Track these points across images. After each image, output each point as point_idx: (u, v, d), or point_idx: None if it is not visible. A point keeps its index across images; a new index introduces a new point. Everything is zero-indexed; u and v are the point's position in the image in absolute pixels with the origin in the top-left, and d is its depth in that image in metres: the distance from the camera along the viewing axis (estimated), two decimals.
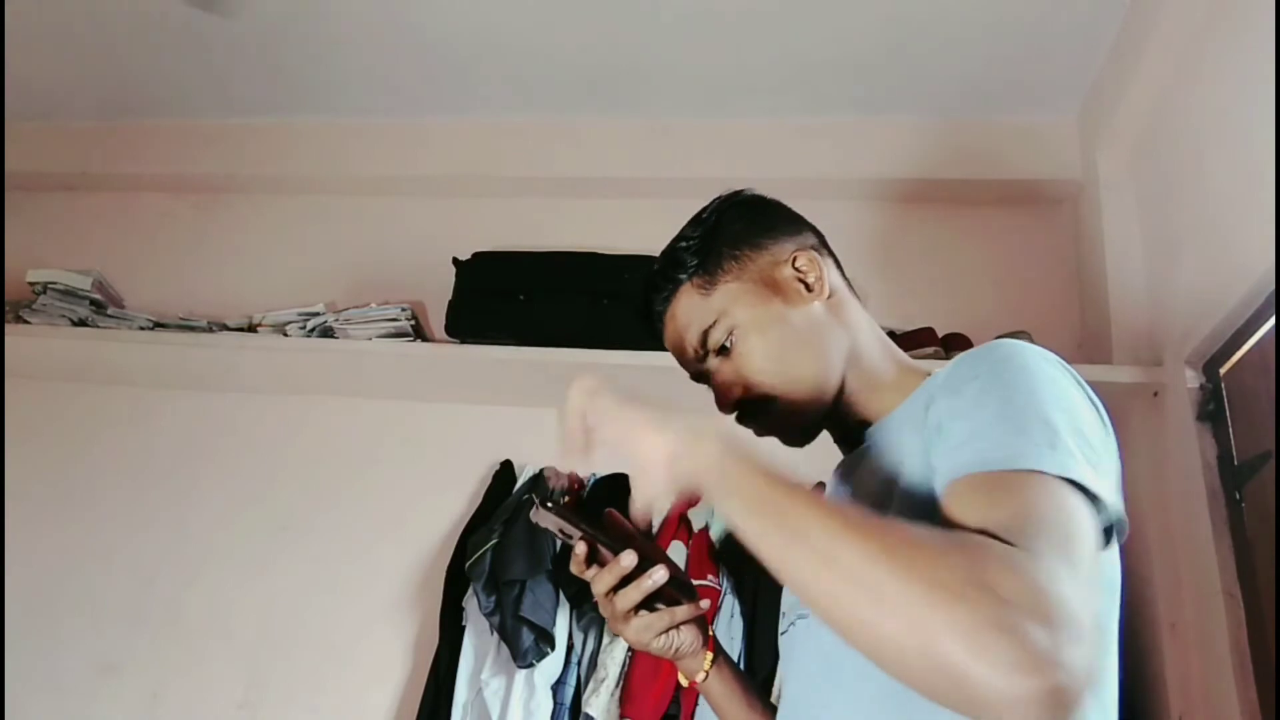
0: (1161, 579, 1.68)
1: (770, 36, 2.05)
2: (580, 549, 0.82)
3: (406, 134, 2.46)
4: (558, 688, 1.84)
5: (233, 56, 2.29)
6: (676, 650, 0.88)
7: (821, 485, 0.98)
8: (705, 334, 0.89)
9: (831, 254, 0.95)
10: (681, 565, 1.83)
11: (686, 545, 1.88)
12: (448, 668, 1.88)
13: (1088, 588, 0.57)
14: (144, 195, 2.63)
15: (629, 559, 0.80)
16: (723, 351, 0.89)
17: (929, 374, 0.87)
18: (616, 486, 2.06)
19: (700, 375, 0.94)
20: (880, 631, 0.55)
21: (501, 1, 2.02)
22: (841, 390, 0.88)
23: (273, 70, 2.33)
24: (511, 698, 1.79)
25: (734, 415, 0.90)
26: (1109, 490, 0.65)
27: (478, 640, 1.90)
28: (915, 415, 0.78)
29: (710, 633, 0.92)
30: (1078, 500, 0.62)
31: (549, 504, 0.81)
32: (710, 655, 0.92)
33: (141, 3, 2.12)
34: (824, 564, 0.59)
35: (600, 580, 0.82)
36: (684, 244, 0.92)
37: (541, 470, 2.10)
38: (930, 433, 0.72)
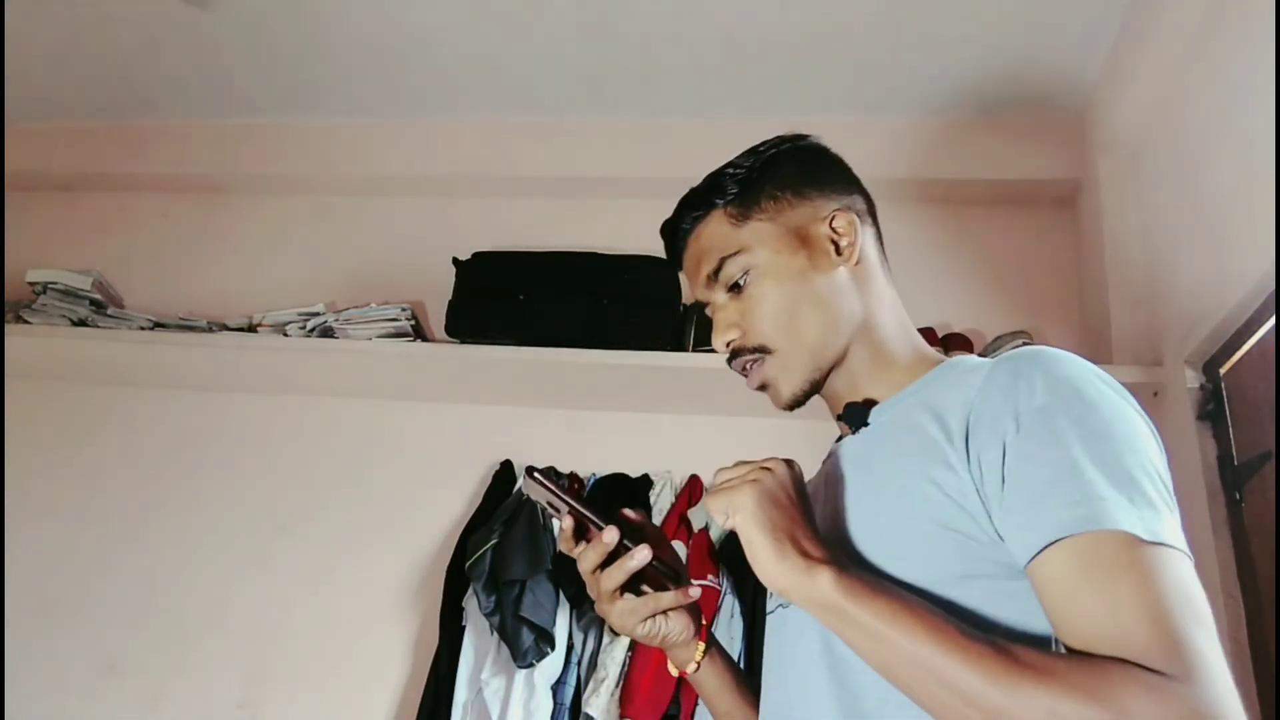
0: None
1: (770, 36, 2.05)
2: (567, 523, 0.81)
3: (406, 134, 2.46)
4: (558, 688, 1.84)
5: (233, 56, 2.29)
6: (664, 638, 0.86)
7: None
8: (723, 262, 0.86)
9: (875, 223, 0.92)
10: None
11: (686, 545, 1.88)
12: (448, 668, 1.88)
13: (1229, 673, 0.57)
14: (144, 195, 2.63)
15: (610, 534, 0.78)
16: (734, 288, 0.86)
17: (939, 361, 0.85)
18: (615, 487, 2.06)
19: (702, 304, 0.91)
20: None
21: (500, 2, 2.02)
22: (844, 361, 0.85)
23: (273, 70, 2.33)
24: (511, 698, 1.79)
25: (728, 358, 0.88)
26: (1181, 533, 0.65)
27: (478, 640, 1.90)
28: (940, 406, 0.75)
29: (704, 623, 0.91)
30: (1181, 559, 0.62)
31: (535, 474, 0.80)
32: (702, 646, 0.90)
33: (141, 3, 2.12)
34: (961, 706, 0.60)
35: (585, 557, 0.80)
36: (731, 170, 0.89)
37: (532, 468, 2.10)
38: (981, 449, 0.70)
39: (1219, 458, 1.60)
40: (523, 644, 1.79)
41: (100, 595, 2.19)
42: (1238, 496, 1.55)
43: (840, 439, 0.90)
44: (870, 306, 0.87)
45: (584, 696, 1.79)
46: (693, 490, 2.03)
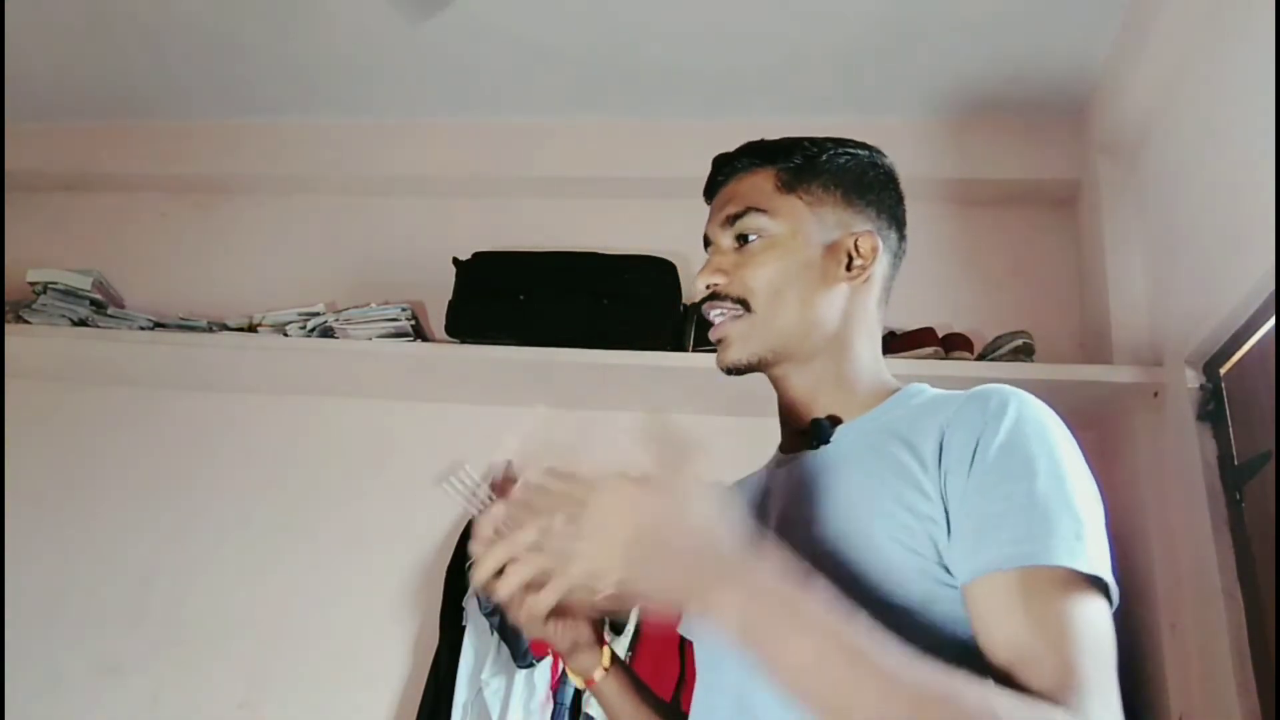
0: (1161, 579, 1.67)
1: (769, 36, 2.05)
2: (482, 523, 0.73)
3: (406, 134, 2.46)
4: (558, 688, 1.84)
5: (233, 56, 2.29)
6: (574, 643, 0.88)
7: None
8: (747, 211, 0.89)
9: (896, 263, 0.94)
10: None
11: None
12: (448, 668, 1.89)
13: (1116, 704, 0.65)
14: (144, 195, 2.63)
15: (529, 535, 0.68)
16: (742, 240, 0.89)
17: (898, 389, 0.88)
18: None
19: (707, 240, 0.94)
20: None
21: (501, 1, 2.02)
22: (807, 365, 0.88)
23: (273, 70, 2.33)
24: (511, 698, 1.79)
25: (703, 298, 0.91)
26: (1111, 575, 0.70)
27: (478, 640, 1.90)
28: (910, 433, 0.78)
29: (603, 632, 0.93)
30: (1102, 605, 0.68)
31: (451, 482, 0.77)
32: (606, 651, 0.92)
33: (141, 3, 2.12)
34: None
35: (482, 564, 0.70)
36: (806, 144, 0.91)
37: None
38: (948, 476, 0.74)
39: (1219, 458, 1.59)
40: (523, 644, 1.80)
41: (100, 596, 2.19)
42: (1238, 496, 1.55)
43: (785, 449, 0.92)
44: (848, 328, 0.89)
45: (584, 696, 1.79)
46: None
